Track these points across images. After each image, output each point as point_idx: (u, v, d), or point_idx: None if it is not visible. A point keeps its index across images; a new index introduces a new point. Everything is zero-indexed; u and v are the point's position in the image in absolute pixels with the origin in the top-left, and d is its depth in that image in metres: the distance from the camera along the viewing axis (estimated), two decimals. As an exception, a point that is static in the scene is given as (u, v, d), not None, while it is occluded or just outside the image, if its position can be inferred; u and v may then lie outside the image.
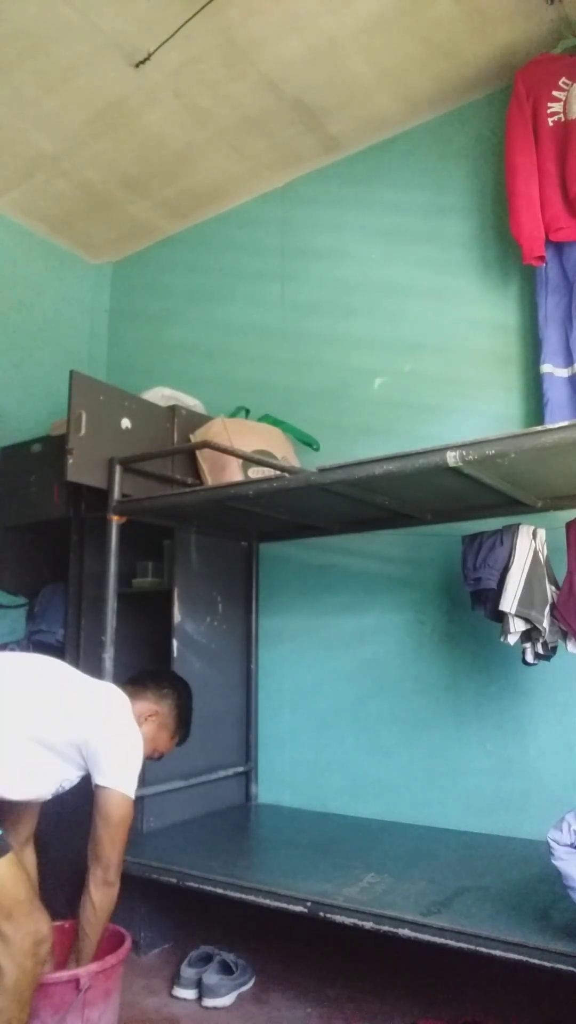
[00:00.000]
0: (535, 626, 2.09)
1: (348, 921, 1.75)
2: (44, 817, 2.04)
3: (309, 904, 1.83)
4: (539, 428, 1.69)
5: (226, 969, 2.11)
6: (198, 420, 2.86)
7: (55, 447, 2.77)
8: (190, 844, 2.31)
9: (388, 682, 2.72)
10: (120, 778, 1.77)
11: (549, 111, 2.48)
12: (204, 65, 2.69)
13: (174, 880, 2.08)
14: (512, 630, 2.10)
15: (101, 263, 3.97)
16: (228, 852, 2.23)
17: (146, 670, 2.14)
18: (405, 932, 1.66)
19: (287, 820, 2.66)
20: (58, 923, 2.03)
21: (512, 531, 2.17)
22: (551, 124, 2.47)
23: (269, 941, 2.35)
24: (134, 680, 2.05)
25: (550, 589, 2.15)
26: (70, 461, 2.39)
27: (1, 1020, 1.51)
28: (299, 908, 1.83)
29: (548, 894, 1.78)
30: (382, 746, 2.69)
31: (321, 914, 1.80)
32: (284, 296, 3.28)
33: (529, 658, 2.16)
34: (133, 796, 1.80)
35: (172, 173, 3.31)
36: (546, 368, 2.42)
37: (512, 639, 2.12)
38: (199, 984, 2.08)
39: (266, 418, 2.93)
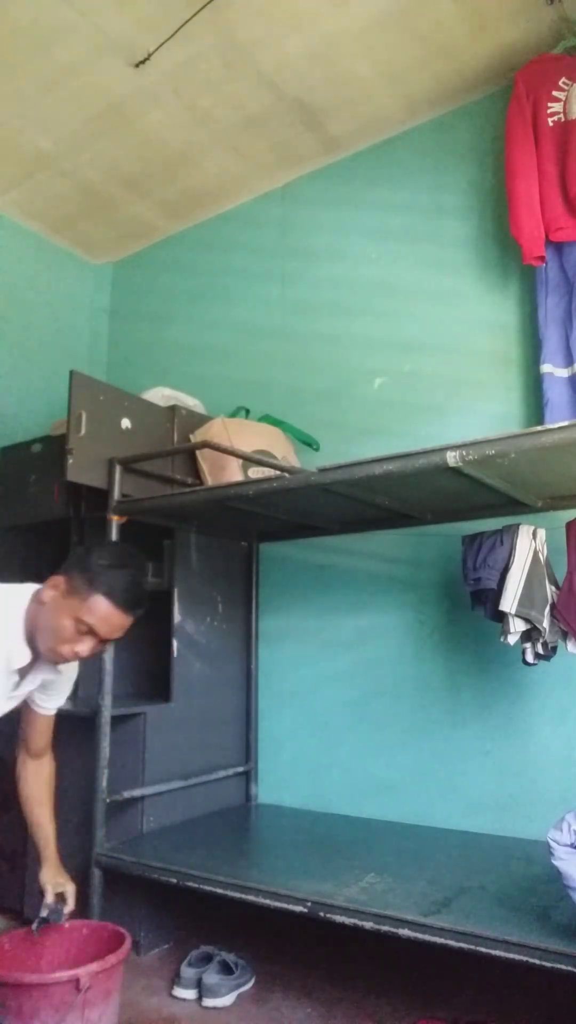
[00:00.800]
0: (535, 626, 2.09)
1: (348, 921, 1.75)
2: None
3: (309, 904, 1.83)
4: (539, 428, 1.69)
5: (226, 969, 2.11)
6: (198, 420, 2.86)
7: (55, 447, 2.77)
8: (190, 844, 2.31)
9: (388, 682, 2.72)
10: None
11: (549, 111, 2.47)
12: (204, 65, 2.69)
13: (174, 880, 2.07)
14: (512, 630, 2.10)
15: (101, 263, 3.97)
16: (228, 852, 2.23)
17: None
18: (405, 932, 1.66)
19: (287, 820, 2.66)
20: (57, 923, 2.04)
21: (512, 531, 2.17)
22: (551, 124, 2.47)
23: (269, 941, 2.35)
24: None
25: (550, 589, 2.15)
26: (70, 461, 2.39)
27: None
28: (299, 908, 1.83)
29: (548, 894, 1.78)
30: (382, 746, 2.69)
31: (321, 914, 1.80)
32: (284, 296, 3.28)
33: (529, 658, 2.16)
34: None
35: (172, 173, 3.31)
36: (546, 368, 2.42)
37: (512, 639, 2.12)
38: (199, 984, 2.08)
39: (266, 418, 2.93)
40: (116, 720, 2.39)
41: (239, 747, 2.90)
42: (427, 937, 1.64)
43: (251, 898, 1.92)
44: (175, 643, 2.63)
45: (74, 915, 1.98)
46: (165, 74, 2.73)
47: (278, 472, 2.20)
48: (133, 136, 3.07)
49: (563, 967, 1.50)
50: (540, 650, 2.14)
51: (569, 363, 2.40)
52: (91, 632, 1.58)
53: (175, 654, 2.62)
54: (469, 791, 2.49)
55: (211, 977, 2.06)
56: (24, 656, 1.64)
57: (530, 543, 2.15)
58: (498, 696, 2.48)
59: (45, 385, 3.55)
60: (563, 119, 2.45)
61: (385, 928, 1.69)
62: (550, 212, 2.42)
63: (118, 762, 2.38)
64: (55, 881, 1.94)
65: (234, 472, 2.60)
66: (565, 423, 1.64)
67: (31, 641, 1.63)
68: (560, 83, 2.47)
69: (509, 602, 2.08)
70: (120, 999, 1.88)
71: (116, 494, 2.45)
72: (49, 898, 1.92)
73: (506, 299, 2.68)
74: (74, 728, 2.53)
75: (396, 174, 3.02)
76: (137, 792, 2.38)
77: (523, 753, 2.42)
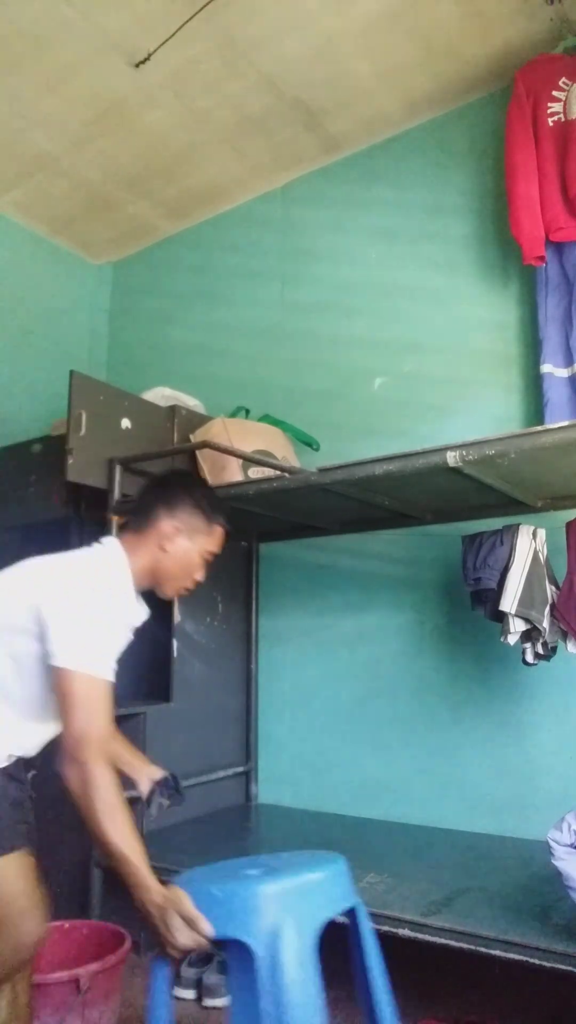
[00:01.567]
0: (535, 626, 2.09)
1: (348, 921, 1.75)
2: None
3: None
4: (539, 428, 1.69)
5: (226, 969, 2.11)
6: (198, 420, 2.86)
7: (55, 447, 2.77)
8: (190, 844, 2.32)
9: (388, 682, 2.72)
10: (79, 657, 1.39)
11: (549, 111, 2.47)
12: (204, 65, 2.69)
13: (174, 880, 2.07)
14: (512, 630, 2.10)
15: (101, 263, 3.97)
16: (228, 852, 2.23)
17: (139, 495, 1.73)
18: (405, 932, 1.66)
19: (287, 820, 2.66)
20: (57, 923, 2.04)
21: (512, 531, 2.17)
22: (551, 124, 2.47)
23: (269, 941, 2.34)
24: (136, 511, 1.67)
25: (550, 589, 2.15)
26: (70, 461, 2.39)
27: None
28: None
29: (548, 894, 1.78)
30: (382, 746, 2.69)
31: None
32: (284, 296, 3.28)
33: (529, 658, 2.16)
34: (101, 674, 1.42)
35: (172, 173, 3.30)
36: (546, 368, 2.42)
37: (512, 639, 2.12)
38: (199, 984, 2.08)
39: (266, 418, 2.93)
40: (116, 720, 2.37)
41: (239, 747, 2.90)
42: (427, 937, 1.64)
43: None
44: (175, 643, 2.63)
45: (74, 915, 1.98)
46: (165, 74, 2.73)
47: (278, 472, 2.20)
48: (133, 136, 3.07)
49: (563, 967, 1.50)
50: (540, 650, 2.14)
51: (569, 363, 2.40)
52: (212, 558, 1.72)
53: (175, 654, 2.62)
54: (469, 791, 2.49)
55: (211, 977, 2.06)
56: (144, 611, 1.66)
57: (530, 543, 2.15)
58: (498, 696, 2.48)
59: (45, 385, 3.55)
60: (563, 119, 2.45)
61: (385, 928, 1.69)
62: (550, 212, 2.43)
63: (118, 762, 2.38)
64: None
65: (234, 472, 2.60)
66: (565, 423, 1.65)
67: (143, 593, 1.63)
68: (560, 83, 2.47)
69: (509, 602, 2.08)
70: (120, 999, 1.88)
71: (116, 494, 2.45)
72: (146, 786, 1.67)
73: (506, 299, 2.68)
74: (74, 728, 2.53)
75: (396, 174, 3.02)
76: (136, 792, 2.37)
77: (523, 753, 2.42)
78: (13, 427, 3.37)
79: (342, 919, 1.30)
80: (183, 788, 1.75)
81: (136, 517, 1.66)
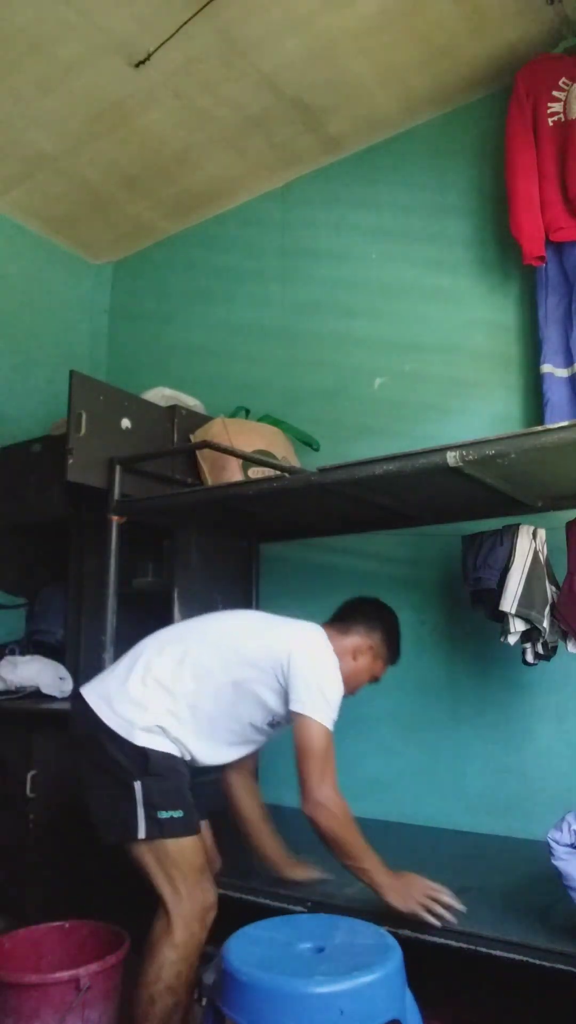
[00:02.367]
0: (535, 626, 2.09)
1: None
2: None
3: (309, 904, 1.83)
4: (539, 428, 1.69)
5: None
6: (198, 420, 2.86)
7: (55, 447, 2.77)
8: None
9: (388, 682, 2.69)
10: (316, 707, 1.71)
11: (549, 111, 2.48)
12: (204, 65, 2.69)
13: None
14: (512, 630, 2.10)
15: (101, 263, 3.97)
16: (228, 852, 2.22)
17: (350, 602, 2.06)
18: (405, 932, 1.66)
19: (287, 820, 2.65)
20: (57, 923, 2.04)
21: (512, 531, 2.17)
22: (551, 124, 2.47)
23: (269, 941, 2.34)
24: (342, 615, 2.01)
25: (550, 589, 2.15)
26: (70, 461, 2.39)
27: (172, 972, 1.61)
28: (299, 908, 1.83)
29: (548, 894, 1.77)
30: (382, 746, 2.68)
31: (321, 914, 1.80)
32: (284, 296, 3.28)
33: (529, 658, 2.16)
34: (331, 727, 1.74)
35: (172, 173, 3.30)
36: (546, 368, 2.42)
37: (512, 639, 2.12)
38: (199, 983, 2.07)
39: (266, 418, 2.93)
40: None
41: (239, 747, 2.89)
42: (427, 937, 1.64)
43: (251, 898, 1.92)
44: (175, 643, 2.63)
45: (74, 915, 1.98)
46: (165, 74, 2.73)
47: (278, 472, 2.20)
48: (133, 136, 3.07)
49: (563, 967, 1.50)
50: (540, 650, 2.14)
51: (569, 363, 2.40)
52: (375, 682, 2.03)
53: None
54: (469, 791, 2.49)
55: (211, 977, 2.06)
56: None
57: (530, 543, 2.15)
58: (498, 696, 2.48)
59: (45, 385, 3.55)
60: (563, 119, 2.45)
61: (385, 928, 1.69)
62: (550, 212, 2.43)
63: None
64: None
65: (234, 472, 2.60)
66: (565, 423, 1.65)
67: None
68: (560, 83, 2.47)
69: (509, 602, 2.08)
70: (120, 999, 1.88)
71: (116, 494, 2.45)
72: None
73: (506, 299, 2.68)
74: (74, 728, 2.53)
75: (396, 174, 3.02)
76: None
77: (523, 753, 2.42)
78: (13, 427, 3.37)
79: None
80: None
81: (338, 619, 1.99)
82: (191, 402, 3.03)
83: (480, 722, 2.51)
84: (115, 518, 2.45)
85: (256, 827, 2.07)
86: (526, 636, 2.14)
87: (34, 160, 3.20)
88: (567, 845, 1.54)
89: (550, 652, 2.15)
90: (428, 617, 2.66)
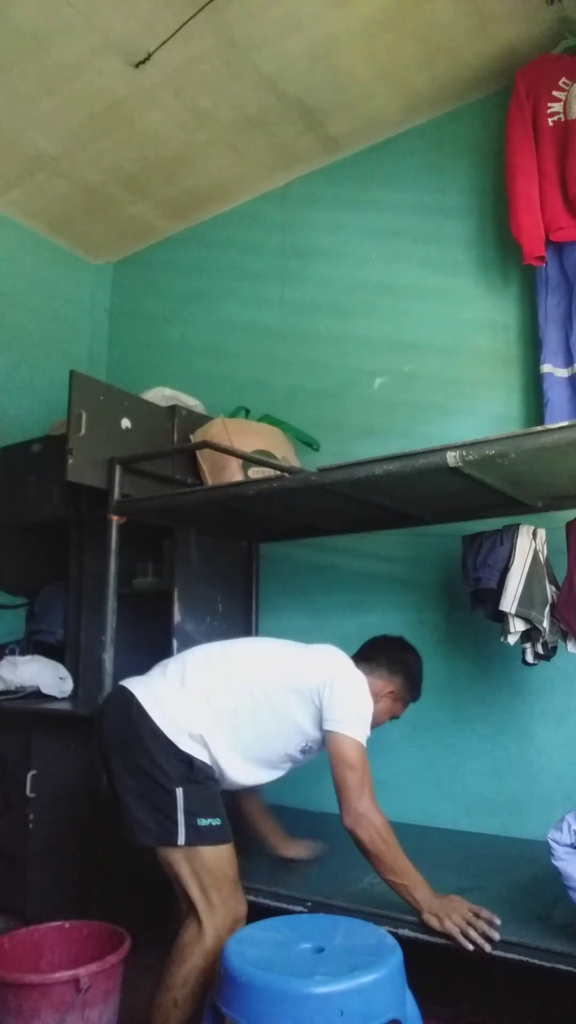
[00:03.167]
0: (535, 626, 2.09)
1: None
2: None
3: (309, 904, 1.83)
4: (539, 428, 1.69)
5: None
6: (198, 420, 2.86)
7: (55, 447, 2.77)
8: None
9: (388, 682, 2.71)
10: (353, 725, 1.76)
11: (549, 111, 2.48)
12: (204, 65, 2.69)
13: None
14: (512, 630, 2.10)
15: (101, 263, 3.97)
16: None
17: (375, 641, 2.10)
18: (405, 932, 1.66)
19: (287, 820, 2.65)
20: (57, 923, 2.04)
21: (512, 531, 2.17)
22: (551, 124, 2.47)
23: (269, 941, 2.34)
24: (367, 655, 2.04)
25: (550, 589, 2.15)
26: (70, 461, 2.39)
27: (200, 980, 1.62)
28: (299, 908, 1.83)
29: (548, 894, 1.78)
30: (382, 746, 2.67)
31: (321, 914, 1.80)
32: (284, 296, 3.28)
33: (529, 658, 2.16)
34: (365, 744, 1.78)
35: (172, 173, 3.30)
36: (546, 368, 2.42)
37: (512, 639, 2.12)
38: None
39: (266, 418, 2.93)
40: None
41: (239, 747, 2.89)
42: (427, 937, 1.64)
43: (251, 898, 1.91)
44: (175, 643, 2.63)
45: (74, 915, 1.98)
46: (165, 74, 2.73)
47: (278, 472, 2.20)
48: (133, 136, 3.07)
49: (563, 967, 1.50)
50: (540, 650, 2.14)
51: (569, 363, 2.40)
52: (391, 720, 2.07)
53: (175, 654, 2.61)
54: (469, 791, 2.49)
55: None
56: None
57: (530, 543, 2.15)
58: (498, 696, 2.48)
59: (45, 385, 3.55)
60: (563, 119, 2.45)
61: (385, 928, 1.69)
62: (550, 212, 2.43)
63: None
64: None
65: (234, 472, 2.60)
66: (565, 423, 1.64)
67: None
68: (560, 83, 2.47)
69: (509, 602, 2.08)
70: (120, 999, 1.88)
71: (116, 494, 2.45)
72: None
73: (506, 299, 2.68)
74: (74, 728, 2.54)
75: (396, 174, 3.02)
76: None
77: (523, 753, 2.42)
78: (13, 427, 3.37)
79: None
80: None
81: (362, 657, 2.01)
82: (191, 402, 3.04)
83: (480, 722, 2.51)
84: (115, 518, 2.45)
85: (255, 815, 2.14)
86: (526, 636, 2.14)
87: (34, 160, 3.20)
88: (567, 845, 1.54)
89: (550, 652, 2.15)
90: (428, 617, 2.66)
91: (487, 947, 1.55)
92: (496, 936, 1.56)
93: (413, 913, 1.66)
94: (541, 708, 2.40)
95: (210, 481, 2.66)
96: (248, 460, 2.52)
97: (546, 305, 2.45)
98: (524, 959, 1.53)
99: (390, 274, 2.97)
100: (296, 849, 2.15)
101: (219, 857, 1.70)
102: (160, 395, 2.96)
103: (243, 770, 1.83)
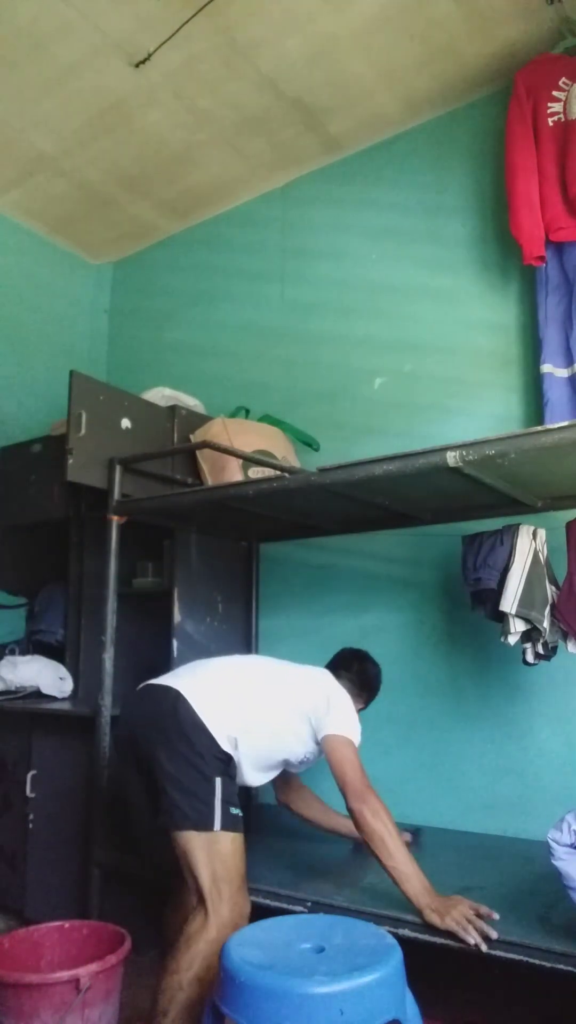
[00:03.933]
0: (535, 626, 2.09)
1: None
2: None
3: (309, 904, 1.83)
4: (539, 428, 1.69)
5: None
6: (198, 420, 2.86)
7: (55, 447, 2.77)
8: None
9: (388, 682, 2.69)
10: (351, 729, 1.91)
11: (549, 111, 2.48)
12: (204, 65, 2.69)
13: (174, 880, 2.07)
14: (512, 630, 2.10)
15: (101, 263, 3.97)
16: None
17: (336, 655, 2.31)
18: (405, 932, 1.66)
19: (287, 820, 2.66)
20: (57, 923, 2.04)
21: (512, 531, 2.17)
22: (551, 124, 2.47)
23: (269, 941, 2.34)
24: (337, 666, 2.23)
25: (550, 589, 2.15)
26: (70, 461, 2.39)
27: (203, 964, 1.65)
28: (299, 908, 1.83)
29: (548, 894, 1.78)
30: (382, 746, 2.68)
31: (321, 914, 1.80)
32: (284, 296, 3.28)
33: (529, 658, 2.16)
34: (357, 741, 1.92)
35: (172, 173, 3.31)
36: (546, 368, 2.42)
37: (512, 639, 2.11)
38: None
39: (266, 418, 2.93)
40: (116, 720, 2.38)
41: (239, 747, 2.89)
42: (427, 937, 1.64)
43: (252, 898, 1.91)
44: (175, 643, 2.63)
45: (74, 915, 1.98)
46: (165, 74, 2.73)
47: (278, 472, 2.20)
48: (133, 136, 3.07)
49: (563, 967, 1.50)
50: (540, 650, 2.14)
51: (569, 363, 2.40)
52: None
53: (175, 654, 2.62)
54: (469, 791, 2.49)
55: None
56: None
57: (530, 543, 2.15)
58: (498, 696, 2.48)
59: (45, 385, 3.55)
60: (563, 119, 2.45)
61: (385, 928, 1.69)
62: (550, 212, 2.43)
63: (118, 762, 2.37)
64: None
65: (234, 472, 2.60)
66: (565, 423, 1.64)
67: None
68: (560, 83, 2.47)
69: (509, 602, 2.08)
70: (120, 999, 1.88)
71: (116, 494, 2.45)
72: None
73: (506, 299, 2.68)
74: (74, 728, 2.54)
75: (396, 174, 3.02)
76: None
77: (523, 753, 2.42)
78: (13, 427, 3.37)
79: None
80: None
81: (334, 666, 2.22)
82: (191, 402, 3.04)
83: (480, 722, 2.50)
84: (115, 518, 2.45)
85: (325, 816, 2.27)
86: (526, 636, 2.14)
87: (34, 160, 3.20)
88: (567, 845, 1.54)
89: (550, 652, 2.15)
90: (428, 617, 2.66)
91: (484, 946, 1.56)
92: (494, 935, 1.57)
93: (414, 911, 1.66)
94: (541, 708, 2.40)
95: (210, 481, 2.66)
96: (248, 460, 2.52)
97: (546, 305, 2.45)
98: (524, 959, 1.53)
99: (390, 274, 2.97)
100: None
101: (236, 850, 1.77)
102: (160, 395, 2.96)
103: (254, 774, 1.97)
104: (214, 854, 1.74)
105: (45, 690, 2.74)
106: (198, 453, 2.71)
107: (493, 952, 1.56)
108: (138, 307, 3.86)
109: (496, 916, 1.61)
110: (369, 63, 2.69)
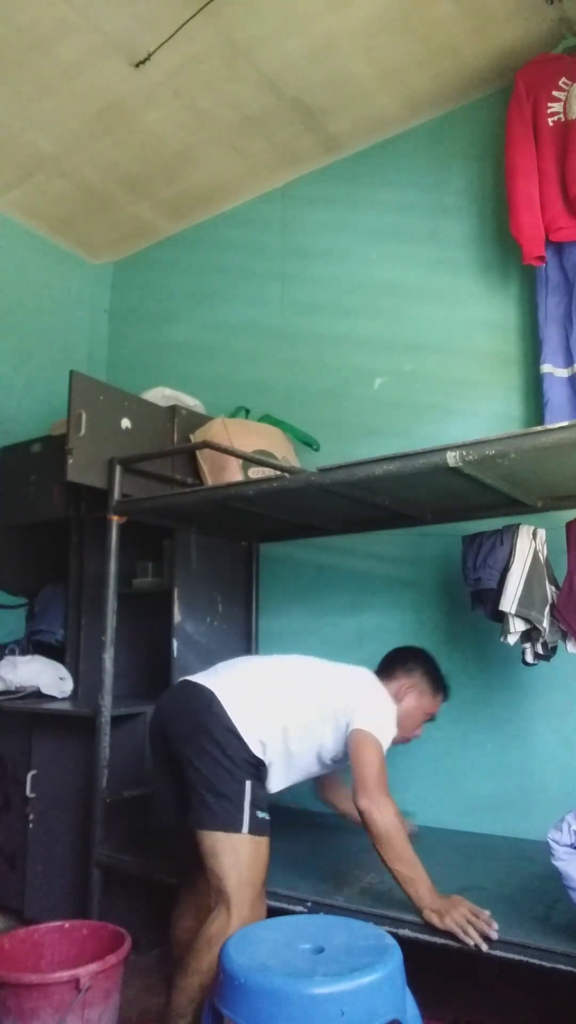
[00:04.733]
0: (535, 626, 2.09)
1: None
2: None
3: (309, 904, 1.83)
4: (539, 428, 1.69)
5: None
6: (198, 420, 2.86)
7: (55, 447, 2.77)
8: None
9: (388, 682, 2.71)
10: (375, 725, 1.86)
11: (549, 111, 2.48)
12: (204, 65, 2.69)
13: (174, 880, 2.07)
14: (512, 630, 2.10)
15: (101, 263, 3.97)
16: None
17: (388, 654, 2.20)
18: (405, 932, 1.66)
19: (286, 820, 2.66)
20: (57, 923, 2.04)
21: (512, 531, 2.17)
22: (551, 124, 2.47)
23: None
24: (383, 667, 2.15)
25: (550, 589, 2.15)
26: (70, 461, 2.39)
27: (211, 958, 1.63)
28: (299, 908, 1.83)
29: (548, 894, 1.78)
30: (382, 746, 2.68)
31: (321, 914, 1.80)
32: (284, 296, 3.28)
33: (529, 658, 2.16)
34: (384, 747, 1.86)
35: (172, 173, 3.31)
36: (546, 368, 2.42)
37: (512, 639, 2.12)
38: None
39: (266, 418, 2.93)
40: (116, 720, 2.39)
41: (239, 747, 2.89)
42: (427, 937, 1.64)
43: (251, 898, 1.91)
44: (175, 643, 2.63)
45: (74, 915, 1.98)
46: (165, 74, 2.73)
47: (278, 472, 2.20)
48: (133, 136, 3.07)
49: (563, 967, 1.50)
50: (540, 650, 2.14)
51: (569, 363, 2.40)
52: (430, 719, 2.15)
53: (175, 654, 2.62)
54: (469, 791, 2.49)
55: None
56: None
57: (530, 543, 2.15)
58: (498, 696, 2.48)
59: (45, 385, 3.55)
60: (563, 119, 2.45)
61: (385, 928, 1.69)
62: (550, 212, 2.43)
63: (118, 762, 2.38)
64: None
65: (234, 472, 2.60)
66: (565, 423, 1.64)
67: None
68: (560, 83, 2.47)
69: (509, 602, 2.08)
70: (120, 999, 1.88)
71: (116, 494, 2.45)
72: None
73: (506, 299, 2.68)
74: (74, 728, 2.54)
75: (396, 174, 3.02)
76: (137, 792, 2.37)
77: (523, 753, 2.42)
78: (13, 427, 3.37)
79: None
80: None
81: (381, 670, 2.12)
82: (191, 402, 3.04)
83: (480, 722, 2.50)
84: (115, 518, 2.45)
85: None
86: (526, 636, 2.14)
87: (34, 160, 3.20)
88: (567, 845, 1.54)
89: (550, 652, 2.15)
90: (428, 617, 2.66)
91: (484, 946, 1.56)
92: (494, 935, 1.57)
93: (414, 911, 1.66)
94: (541, 708, 2.40)
95: (210, 481, 2.66)
96: (248, 460, 2.52)
97: (546, 305, 2.45)
98: (524, 959, 1.53)
99: (390, 274, 2.97)
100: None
101: (261, 854, 1.78)
102: (160, 395, 2.96)
103: (282, 778, 1.96)
104: (240, 857, 1.74)
105: (45, 690, 2.74)
106: (198, 453, 2.71)
107: (493, 952, 1.56)
108: (138, 307, 3.86)
109: (495, 926, 1.59)
110: (369, 63, 2.69)
